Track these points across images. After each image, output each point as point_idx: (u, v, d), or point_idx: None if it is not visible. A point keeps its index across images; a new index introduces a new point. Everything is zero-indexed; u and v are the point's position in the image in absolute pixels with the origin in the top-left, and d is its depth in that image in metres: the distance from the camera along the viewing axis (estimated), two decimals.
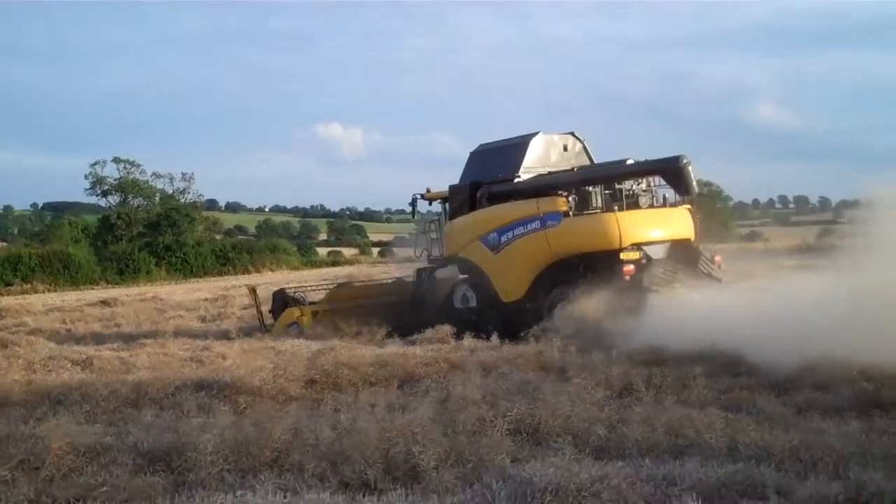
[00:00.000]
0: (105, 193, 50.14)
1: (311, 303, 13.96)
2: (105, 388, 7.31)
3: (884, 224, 7.96)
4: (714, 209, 39.95)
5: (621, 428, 5.46)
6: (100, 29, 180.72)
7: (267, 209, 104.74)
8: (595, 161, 13.16)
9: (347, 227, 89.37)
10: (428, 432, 5.16)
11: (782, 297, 8.84)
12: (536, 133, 12.95)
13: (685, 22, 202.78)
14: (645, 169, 11.99)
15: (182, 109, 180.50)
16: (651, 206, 12.22)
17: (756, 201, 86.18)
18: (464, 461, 4.83)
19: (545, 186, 12.15)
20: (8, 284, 35.76)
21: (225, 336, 12.33)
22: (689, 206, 12.25)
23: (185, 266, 43.30)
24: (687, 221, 12.12)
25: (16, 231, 73.59)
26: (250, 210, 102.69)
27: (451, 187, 13.30)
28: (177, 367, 9.09)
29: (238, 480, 4.74)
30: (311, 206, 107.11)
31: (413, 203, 13.94)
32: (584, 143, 13.32)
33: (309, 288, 14.83)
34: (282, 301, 14.09)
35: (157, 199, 50.52)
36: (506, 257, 12.14)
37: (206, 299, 21.83)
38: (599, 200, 12.07)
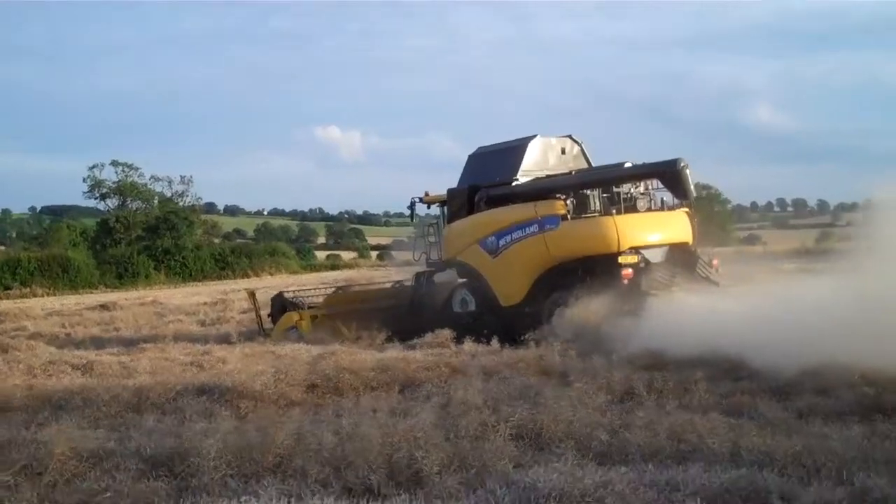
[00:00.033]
0: (103, 197, 50.29)
1: (310, 307, 13.95)
2: (106, 393, 7.31)
3: (884, 227, 7.97)
4: (712, 212, 40.06)
5: (623, 433, 5.47)
6: (99, 29, 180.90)
7: (265, 212, 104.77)
8: (593, 164, 13.19)
9: (346, 230, 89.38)
10: (430, 437, 5.17)
11: (783, 301, 8.84)
12: (534, 136, 12.97)
13: (684, 22, 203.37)
14: (643, 172, 12.01)
15: (181, 110, 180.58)
16: (649, 209, 12.25)
17: (754, 204, 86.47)
18: (467, 466, 4.83)
19: (543, 190, 12.16)
20: (7, 288, 35.73)
21: (225, 340, 12.32)
22: (687, 210, 12.28)
23: (184, 270, 43.26)
24: (685, 225, 12.14)
25: (14, 235, 73.42)
26: (249, 213, 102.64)
27: (450, 191, 13.31)
28: (178, 371, 9.10)
29: (241, 486, 4.74)
30: (310, 210, 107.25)
31: (411, 206, 13.96)
32: (582, 145, 13.35)
33: (309, 295, 14.79)
34: (280, 305, 14.08)
35: (156, 202, 50.59)
36: (504, 261, 12.15)
37: (205, 303, 21.79)
38: (598, 204, 12.09)
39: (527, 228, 11.90)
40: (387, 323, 12.41)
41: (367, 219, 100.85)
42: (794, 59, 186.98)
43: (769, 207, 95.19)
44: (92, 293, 34.72)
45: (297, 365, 8.70)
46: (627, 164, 12.22)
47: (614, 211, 11.57)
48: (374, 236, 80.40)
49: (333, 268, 47.57)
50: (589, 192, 12.18)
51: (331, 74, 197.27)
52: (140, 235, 47.10)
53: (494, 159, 13.10)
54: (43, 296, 33.96)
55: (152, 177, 50.53)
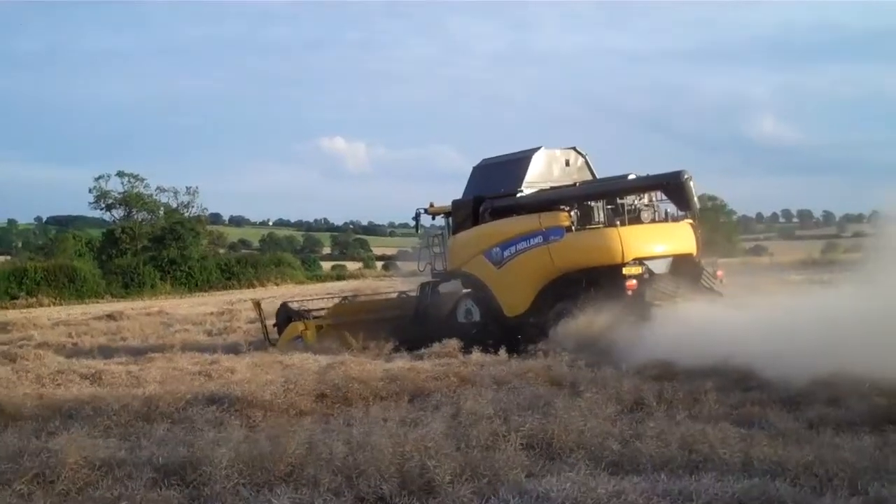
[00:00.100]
0: (109, 207, 50.42)
1: (315, 317, 13.98)
2: (116, 403, 7.33)
3: (893, 238, 7.97)
4: (718, 223, 40.06)
5: (635, 443, 5.46)
6: (102, 36, 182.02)
7: (270, 223, 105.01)
8: (597, 176, 13.23)
9: (351, 240, 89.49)
10: (441, 447, 5.17)
11: (792, 312, 8.84)
12: (539, 148, 13.04)
13: (686, 34, 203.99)
14: (646, 184, 12.07)
15: (187, 121, 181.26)
16: (653, 220, 12.28)
17: (760, 215, 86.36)
18: (479, 476, 4.83)
19: (547, 201, 12.21)
20: (13, 298, 35.88)
21: (233, 350, 12.34)
22: (690, 221, 12.30)
23: (190, 280, 43.39)
24: (689, 236, 12.17)
25: (20, 245, 73.72)
26: (254, 224, 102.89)
27: (455, 202, 13.37)
28: (186, 381, 9.10)
29: (253, 495, 4.75)
30: (315, 220, 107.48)
31: (417, 217, 14.00)
32: (587, 157, 13.41)
33: (315, 307, 14.82)
34: (285, 315, 14.12)
35: (162, 212, 50.75)
36: (509, 272, 12.18)
37: (211, 313, 21.87)
38: (602, 215, 12.13)
39: (531, 239, 11.93)
40: (392, 333, 12.43)
41: (373, 229, 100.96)
42: (797, 71, 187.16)
43: (775, 218, 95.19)
44: (98, 303, 34.83)
45: (306, 375, 8.71)
46: (631, 176, 12.28)
47: (618, 222, 11.61)
48: (379, 247, 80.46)
49: (339, 278, 47.64)
50: (593, 203, 12.21)
51: (334, 86, 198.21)
52: (146, 246, 47.24)
53: (499, 171, 13.17)
54: (49, 305, 34.09)
55: (158, 188, 50.77)
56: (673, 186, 11.33)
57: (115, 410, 7.12)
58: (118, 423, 6.90)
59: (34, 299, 35.55)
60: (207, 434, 6.01)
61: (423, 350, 11.12)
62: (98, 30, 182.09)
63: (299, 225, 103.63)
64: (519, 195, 12.57)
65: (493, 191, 12.82)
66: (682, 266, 11.90)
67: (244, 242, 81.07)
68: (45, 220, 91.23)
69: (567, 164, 13.18)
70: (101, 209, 50.70)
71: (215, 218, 78.21)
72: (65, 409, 7.41)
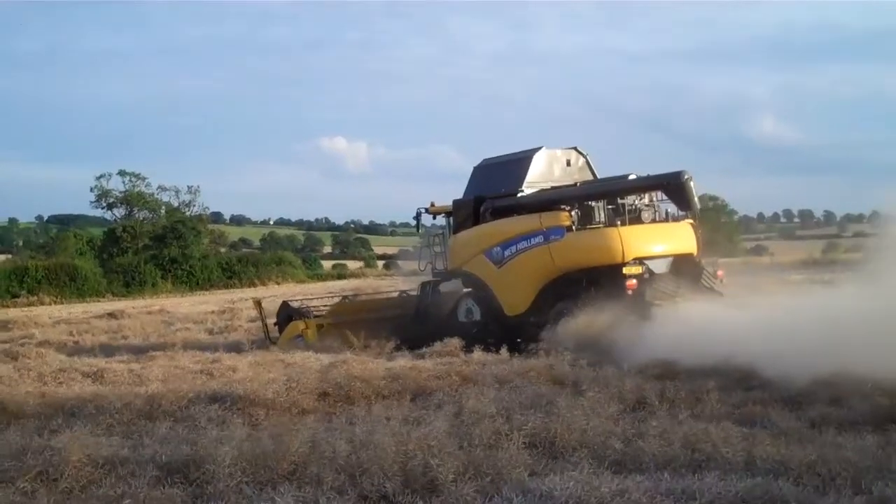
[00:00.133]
0: (110, 206, 50.46)
1: (316, 316, 13.99)
2: (118, 401, 7.33)
3: (894, 237, 7.97)
4: (719, 223, 40.07)
5: (637, 442, 5.47)
6: (102, 36, 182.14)
7: (271, 222, 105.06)
8: (598, 176, 13.24)
9: (352, 240, 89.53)
10: (444, 445, 5.18)
11: (794, 311, 8.84)
12: (539, 148, 13.04)
13: (686, 34, 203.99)
14: (647, 184, 12.07)
15: (188, 121, 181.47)
16: (653, 220, 12.28)
17: (761, 215, 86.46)
18: (482, 474, 4.84)
19: (548, 201, 12.22)
20: (14, 296, 35.90)
21: (234, 349, 12.35)
22: (691, 221, 12.31)
23: (191, 279, 43.41)
24: (689, 236, 12.17)
25: (21, 243, 73.77)
26: (255, 223, 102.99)
27: (455, 201, 13.38)
28: (188, 379, 9.11)
29: (256, 493, 4.76)
30: (316, 219, 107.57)
31: (417, 217, 14.01)
32: (587, 158, 13.41)
33: (316, 306, 14.84)
34: (286, 314, 14.13)
35: (163, 211, 50.77)
36: (509, 271, 12.19)
37: (212, 312, 21.88)
38: (602, 215, 12.15)
39: (532, 239, 11.94)
40: (393, 332, 12.44)
41: (373, 229, 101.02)
42: (797, 71, 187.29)
43: (776, 218, 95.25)
44: (99, 302, 34.86)
45: (308, 373, 8.72)
46: (632, 176, 12.28)
47: (619, 222, 11.62)
48: (379, 246, 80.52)
49: (339, 277, 47.68)
50: (594, 203, 12.23)
51: (335, 85, 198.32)
52: (147, 245, 47.25)
53: (500, 171, 13.18)
54: (50, 304, 34.12)
55: (159, 187, 50.79)
56: (673, 186, 11.34)
57: (117, 409, 7.13)
58: (121, 421, 6.90)
59: (35, 298, 35.57)
60: (210, 432, 6.01)
61: (424, 349, 11.13)
62: (98, 30, 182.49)
63: (300, 224, 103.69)
64: (520, 195, 12.57)
65: (493, 190, 12.83)
66: (683, 266, 11.91)
67: (245, 241, 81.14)
68: (46, 218, 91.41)
69: (568, 164, 13.19)
70: (103, 208, 50.81)
71: (216, 217, 78.39)
72: (67, 407, 7.42)
